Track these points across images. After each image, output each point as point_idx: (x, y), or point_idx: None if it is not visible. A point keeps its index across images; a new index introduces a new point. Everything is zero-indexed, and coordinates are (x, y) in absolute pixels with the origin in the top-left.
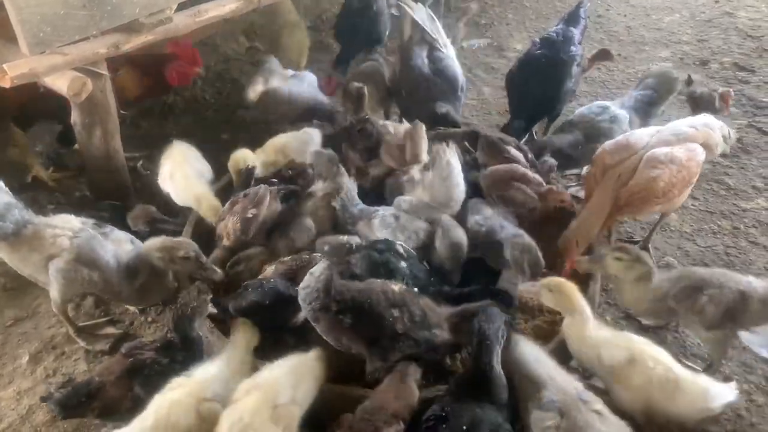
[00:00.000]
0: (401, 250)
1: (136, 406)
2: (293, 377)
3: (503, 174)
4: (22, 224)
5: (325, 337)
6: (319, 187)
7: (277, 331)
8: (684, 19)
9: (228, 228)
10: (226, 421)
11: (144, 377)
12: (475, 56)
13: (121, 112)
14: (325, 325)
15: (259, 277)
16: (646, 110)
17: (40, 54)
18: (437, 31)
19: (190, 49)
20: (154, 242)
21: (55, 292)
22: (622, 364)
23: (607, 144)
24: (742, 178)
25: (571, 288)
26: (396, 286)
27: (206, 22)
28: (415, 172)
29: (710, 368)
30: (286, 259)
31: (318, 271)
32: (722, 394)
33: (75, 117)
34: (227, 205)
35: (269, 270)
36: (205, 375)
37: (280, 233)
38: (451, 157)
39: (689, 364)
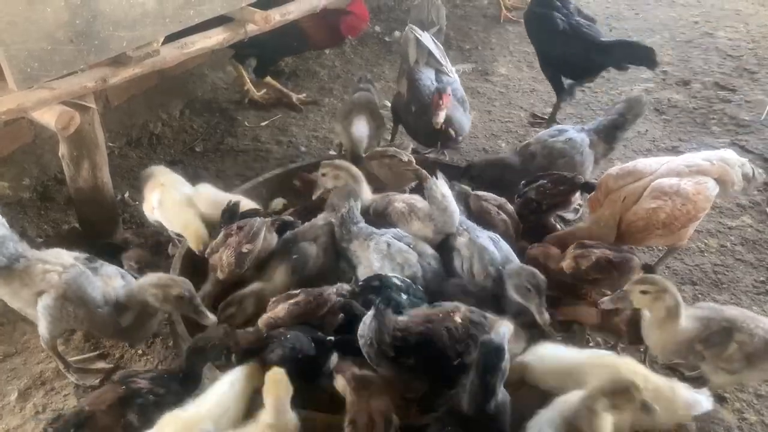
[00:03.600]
0: (398, 282)
1: None
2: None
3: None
4: (15, 258)
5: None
6: (322, 216)
7: (313, 379)
8: (665, 40)
9: (222, 261)
10: None
11: (138, 406)
12: (459, 81)
13: (109, 144)
14: (387, 368)
15: (268, 316)
16: (611, 134)
17: (28, 89)
18: (443, 56)
19: (363, 6)
20: (150, 278)
21: (43, 329)
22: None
23: (613, 169)
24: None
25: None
26: (458, 316)
27: (193, 54)
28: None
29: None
30: (295, 293)
31: (368, 318)
32: (699, 402)
33: (63, 150)
34: (221, 236)
35: (280, 309)
36: (197, 410)
37: (279, 262)
38: (443, 187)
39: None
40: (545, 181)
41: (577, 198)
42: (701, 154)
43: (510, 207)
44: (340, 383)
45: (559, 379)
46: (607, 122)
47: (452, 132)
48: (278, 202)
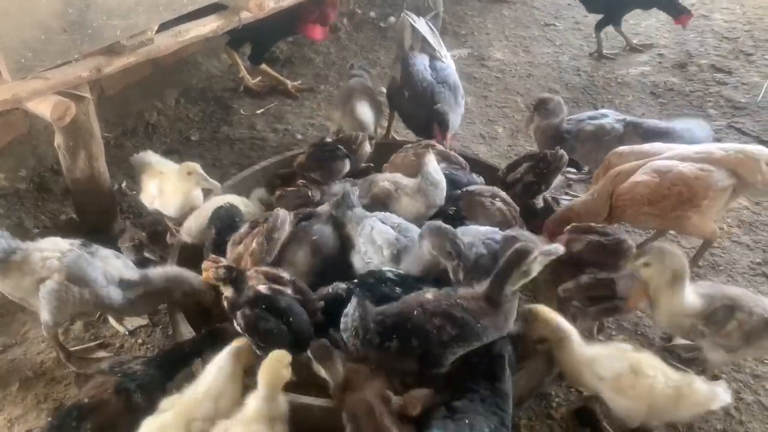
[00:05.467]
0: (392, 276)
1: (136, 420)
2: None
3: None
4: (10, 251)
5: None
6: (325, 209)
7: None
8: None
9: (250, 249)
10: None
11: (139, 386)
12: (456, 66)
13: (105, 134)
14: (374, 358)
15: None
16: (651, 135)
17: (22, 80)
18: (438, 42)
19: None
20: (186, 276)
21: (46, 314)
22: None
23: (623, 147)
24: None
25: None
26: (429, 294)
27: (188, 42)
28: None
29: (704, 373)
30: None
31: (350, 310)
32: (719, 395)
33: (58, 140)
34: (245, 227)
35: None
36: (194, 395)
37: (298, 245)
38: (434, 162)
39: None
40: (533, 162)
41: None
42: (724, 144)
43: (503, 194)
44: (323, 371)
45: (576, 369)
46: (656, 127)
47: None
48: (259, 192)
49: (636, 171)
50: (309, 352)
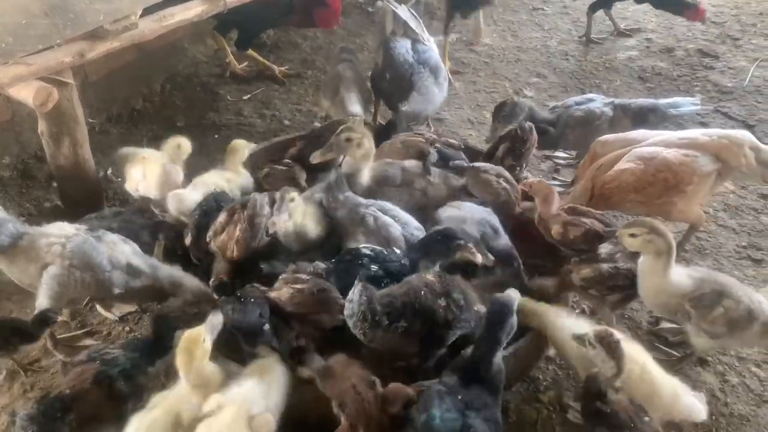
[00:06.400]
0: (368, 252)
1: (120, 408)
2: (263, 388)
3: None
4: (17, 236)
5: (381, 350)
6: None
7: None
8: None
9: (234, 237)
10: None
11: (121, 373)
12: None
13: (89, 120)
14: (380, 340)
15: (272, 296)
16: (643, 116)
17: (3, 65)
18: (420, 27)
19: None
20: (194, 285)
21: (44, 299)
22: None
23: (607, 135)
24: None
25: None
26: (430, 275)
27: (173, 27)
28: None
29: (689, 357)
30: (304, 278)
31: (356, 296)
32: (694, 406)
33: (42, 127)
34: (223, 216)
35: (284, 291)
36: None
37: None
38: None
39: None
40: (509, 144)
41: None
42: (707, 129)
43: (508, 174)
44: (306, 373)
45: (561, 345)
46: (643, 104)
47: None
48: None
49: (619, 160)
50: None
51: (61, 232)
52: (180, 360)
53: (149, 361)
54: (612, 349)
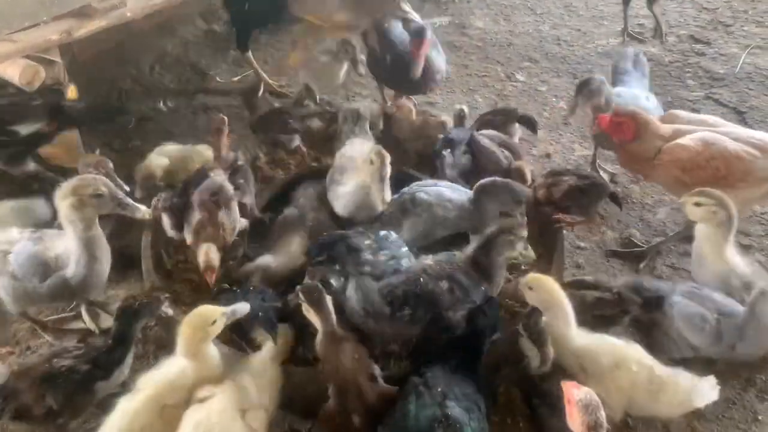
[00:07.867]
0: (360, 238)
1: (48, 415)
2: (258, 383)
3: None
4: None
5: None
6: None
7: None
8: None
9: (226, 223)
10: (191, 420)
11: (57, 387)
12: (436, 34)
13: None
14: (388, 331)
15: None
16: None
17: None
18: (409, 9)
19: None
20: (62, 190)
21: (9, 307)
22: (606, 370)
23: (678, 111)
24: None
25: (552, 283)
26: (429, 260)
27: (160, 7)
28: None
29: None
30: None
31: (351, 293)
32: (706, 391)
33: None
34: (199, 214)
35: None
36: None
37: (293, 233)
38: None
39: None
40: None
41: (517, 129)
42: None
43: (510, 141)
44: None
45: (561, 350)
46: None
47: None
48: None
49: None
50: (299, 294)
51: (6, 238)
52: (184, 333)
53: (104, 373)
54: (535, 338)
